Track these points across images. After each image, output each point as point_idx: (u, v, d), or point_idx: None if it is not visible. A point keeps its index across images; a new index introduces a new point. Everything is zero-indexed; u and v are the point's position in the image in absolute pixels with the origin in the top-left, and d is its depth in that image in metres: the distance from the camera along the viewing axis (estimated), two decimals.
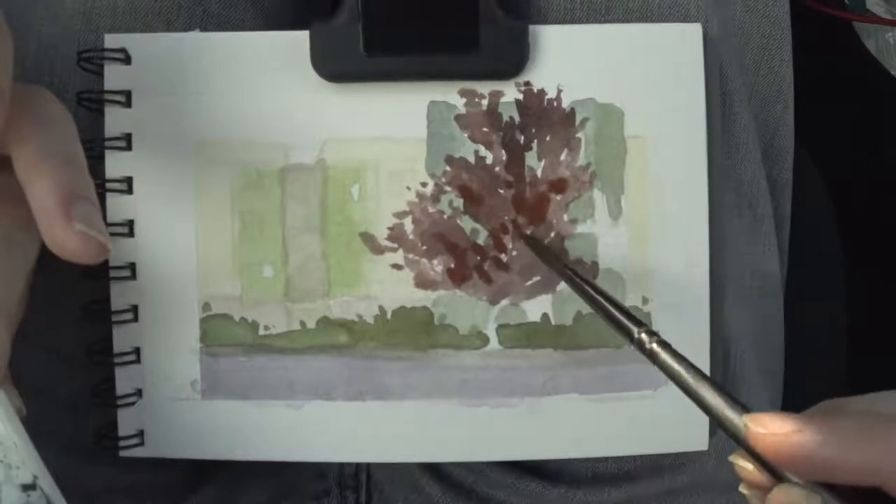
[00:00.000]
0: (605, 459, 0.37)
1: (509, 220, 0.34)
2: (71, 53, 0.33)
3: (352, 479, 0.38)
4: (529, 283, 0.34)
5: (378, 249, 0.34)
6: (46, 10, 0.34)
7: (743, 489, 0.24)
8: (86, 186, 0.27)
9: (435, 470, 0.38)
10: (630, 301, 0.34)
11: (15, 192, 0.26)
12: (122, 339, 0.34)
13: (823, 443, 0.21)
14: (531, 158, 0.34)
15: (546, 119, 0.34)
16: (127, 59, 0.33)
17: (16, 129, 0.26)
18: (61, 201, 0.25)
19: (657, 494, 0.37)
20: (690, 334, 0.34)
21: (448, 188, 0.34)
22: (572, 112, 0.34)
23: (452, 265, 0.34)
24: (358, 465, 0.38)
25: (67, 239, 0.25)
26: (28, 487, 0.27)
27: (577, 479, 0.37)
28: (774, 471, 0.22)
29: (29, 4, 0.34)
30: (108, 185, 0.33)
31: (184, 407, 0.34)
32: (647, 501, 0.37)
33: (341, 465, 0.38)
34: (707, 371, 0.34)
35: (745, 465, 0.23)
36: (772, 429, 0.22)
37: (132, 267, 0.34)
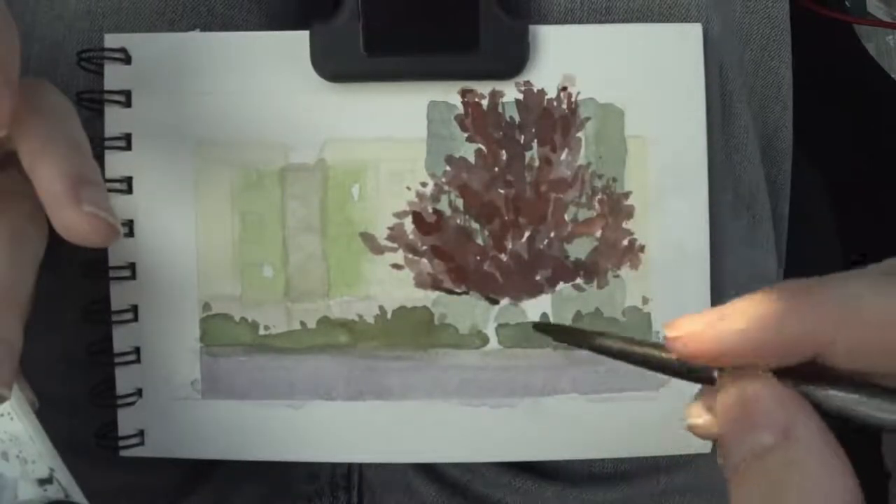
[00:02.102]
0: (602, 459, 0.37)
1: (509, 220, 0.34)
2: (74, 53, 0.34)
3: (343, 480, 0.38)
4: (529, 282, 0.34)
5: (378, 249, 0.34)
6: (51, 9, 0.34)
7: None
8: (92, 170, 0.27)
9: (429, 469, 0.38)
10: (630, 301, 0.34)
11: (20, 187, 0.27)
12: (122, 339, 0.34)
13: (744, 324, 0.19)
14: (531, 158, 0.34)
15: (546, 119, 0.34)
16: (127, 59, 0.33)
17: (20, 121, 0.26)
18: (69, 185, 0.26)
19: (653, 494, 0.37)
20: None
21: (448, 188, 0.34)
22: (572, 112, 0.34)
23: (452, 265, 0.34)
24: (350, 465, 0.38)
25: (77, 221, 0.26)
26: (45, 481, 0.27)
27: (573, 478, 0.37)
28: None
29: (33, 4, 0.35)
30: (108, 185, 0.33)
31: (184, 407, 0.34)
32: (642, 501, 0.37)
33: (333, 466, 0.38)
34: None
35: (697, 415, 0.21)
36: (686, 328, 0.20)
37: (132, 267, 0.34)
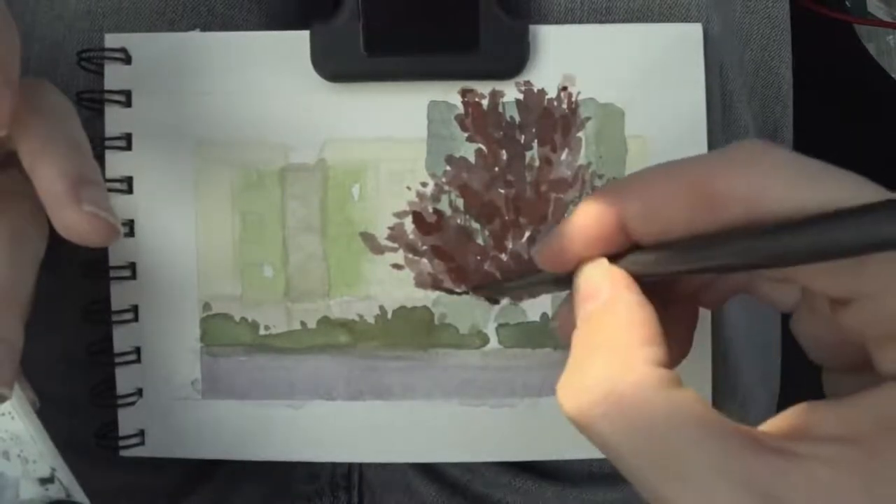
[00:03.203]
0: (602, 458, 0.37)
1: (510, 220, 0.34)
2: (75, 53, 0.34)
3: (343, 480, 0.38)
4: None
5: (378, 249, 0.34)
6: (50, 9, 0.34)
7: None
8: (92, 170, 0.27)
9: (429, 469, 0.38)
10: None
11: (20, 187, 0.27)
12: (122, 338, 0.34)
13: (571, 229, 0.24)
14: (531, 158, 0.34)
15: (546, 119, 0.34)
16: (127, 59, 0.34)
17: (20, 121, 0.26)
18: (70, 185, 0.26)
19: None
20: None
21: (448, 188, 0.34)
22: (573, 112, 0.34)
23: (453, 265, 0.34)
24: (350, 465, 0.38)
25: (78, 221, 0.26)
26: (46, 481, 0.28)
27: (573, 477, 0.37)
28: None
29: (33, 4, 0.35)
30: (108, 185, 0.33)
31: (184, 407, 0.34)
32: (642, 501, 0.37)
33: (333, 466, 0.38)
34: (708, 369, 0.34)
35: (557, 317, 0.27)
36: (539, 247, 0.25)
37: (132, 267, 0.34)
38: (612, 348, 0.22)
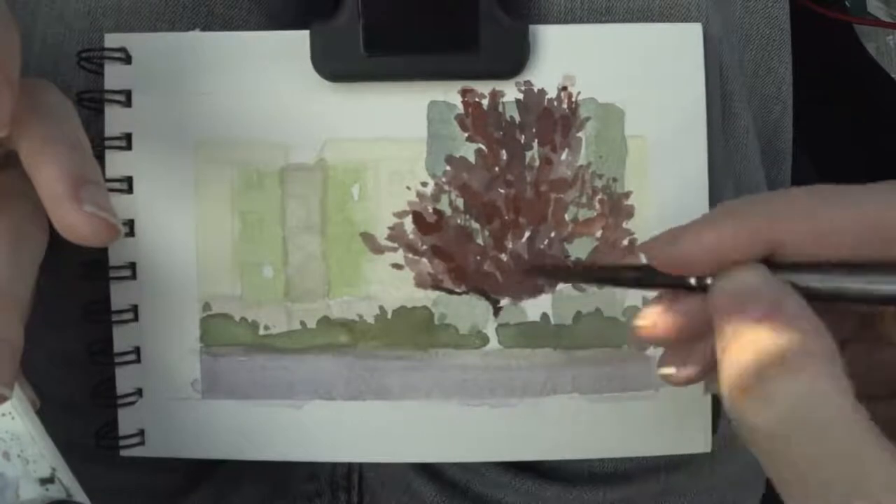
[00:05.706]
0: (602, 459, 0.37)
1: (510, 220, 0.34)
2: (75, 53, 0.34)
3: (343, 480, 0.38)
4: (530, 282, 0.34)
5: (378, 249, 0.34)
6: (51, 9, 0.34)
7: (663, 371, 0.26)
8: (92, 170, 0.27)
9: (429, 469, 0.38)
10: (630, 301, 0.34)
11: (20, 186, 0.27)
12: (122, 338, 0.34)
13: (707, 228, 0.23)
14: (531, 158, 0.34)
15: (546, 119, 0.34)
16: (127, 59, 0.34)
17: (20, 121, 0.26)
18: (70, 185, 0.26)
19: (654, 494, 0.37)
20: None
21: (448, 188, 0.34)
22: (573, 112, 0.34)
23: (453, 265, 0.34)
24: (350, 465, 0.38)
25: (78, 221, 0.26)
26: (46, 481, 0.28)
27: (573, 478, 0.37)
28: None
29: (33, 4, 0.35)
30: (108, 185, 0.33)
31: (184, 407, 0.34)
32: (643, 501, 0.37)
33: (333, 466, 0.38)
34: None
35: (644, 317, 0.26)
36: (660, 245, 0.24)
37: (132, 267, 0.34)
38: (800, 359, 0.21)
